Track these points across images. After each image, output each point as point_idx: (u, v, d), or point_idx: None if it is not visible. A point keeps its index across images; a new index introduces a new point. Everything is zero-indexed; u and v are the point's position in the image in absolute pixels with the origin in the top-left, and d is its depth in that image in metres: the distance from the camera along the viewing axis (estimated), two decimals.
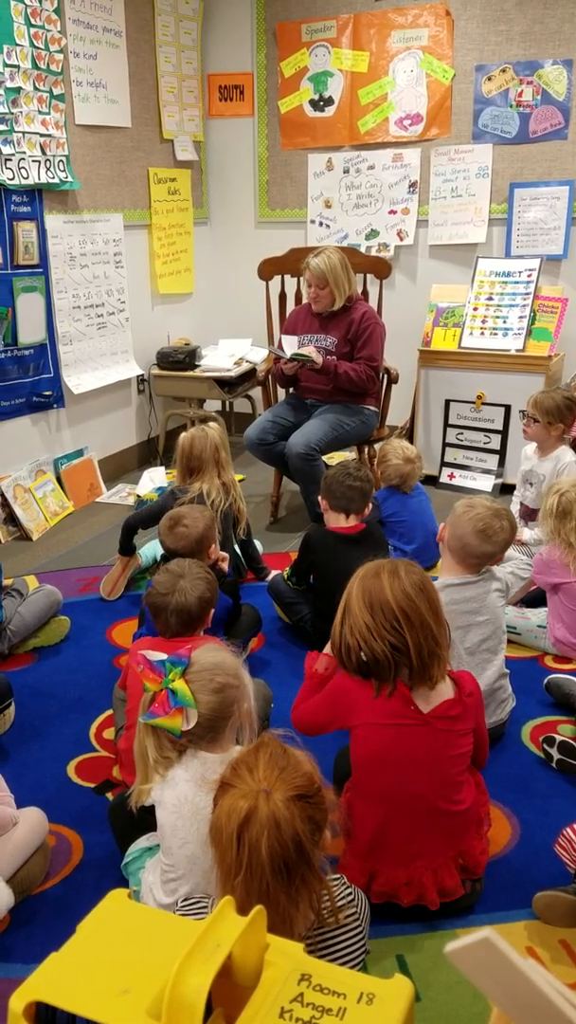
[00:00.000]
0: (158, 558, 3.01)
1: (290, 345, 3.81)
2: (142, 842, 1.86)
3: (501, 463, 4.45)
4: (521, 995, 0.76)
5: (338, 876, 1.54)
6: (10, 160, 3.64)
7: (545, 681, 2.63)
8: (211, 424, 3.15)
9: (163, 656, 1.67)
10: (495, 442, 4.45)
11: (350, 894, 1.50)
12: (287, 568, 3.00)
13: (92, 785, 2.26)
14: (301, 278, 4.08)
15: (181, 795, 1.64)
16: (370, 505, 2.93)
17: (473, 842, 1.84)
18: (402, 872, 1.78)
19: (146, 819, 1.76)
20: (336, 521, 2.87)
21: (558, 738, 2.32)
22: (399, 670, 1.74)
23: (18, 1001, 1.02)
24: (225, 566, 2.73)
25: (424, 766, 1.75)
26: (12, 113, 3.61)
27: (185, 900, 1.53)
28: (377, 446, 4.09)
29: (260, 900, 1.22)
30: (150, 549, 3.42)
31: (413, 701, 1.75)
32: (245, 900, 1.23)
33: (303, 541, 2.92)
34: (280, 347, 3.84)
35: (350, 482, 2.83)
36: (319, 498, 2.93)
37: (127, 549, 3.30)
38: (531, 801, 2.18)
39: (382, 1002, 1.04)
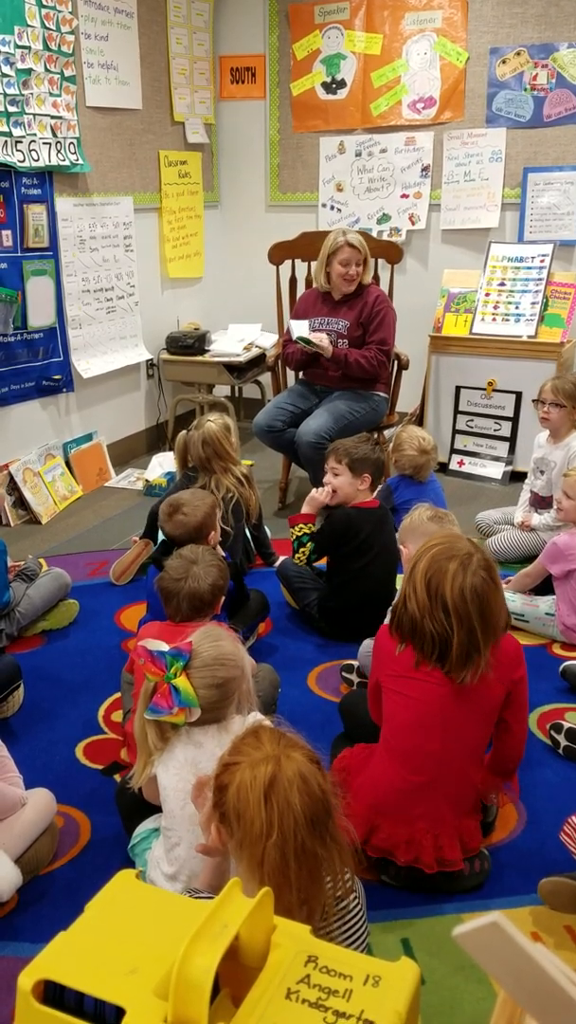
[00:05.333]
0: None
1: (300, 329, 3.78)
2: (148, 823, 1.87)
3: (511, 450, 4.43)
4: (528, 979, 0.76)
5: None
6: (21, 142, 3.62)
7: (561, 668, 2.64)
8: (211, 417, 3.12)
9: (164, 647, 1.68)
10: (505, 429, 4.43)
11: (349, 879, 1.51)
12: (301, 536, 2.95)
13: (100, 767, 2.27)
14: (312, 262, 4.05)
15: (182, 758, 1.68)
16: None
17: (471, 818, 1.88)
18: (403, 829, 1.80)
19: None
20: (363, 496, 2.90)
21: (565, 725, 2.32)
22: (438, 654, 1.76)
23: (27, 979, 1.03)
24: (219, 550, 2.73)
25: (449, 727, 1.78)
26: (23, 95, 3.59)
27: (195, 894, 1.54)
28: (387, 432, 4.08)
29: (297, 858, 1.23)
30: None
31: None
32: (280, 863, 1.23)
33: (341, 523, 2.88)
34: (289, 331, 3.82)
35: (380, 454, 2.93)
36: (348, 478, 2.90)
37: (149, 534, 3.30)
38: (537, 788, 2.18)
39: (388, 984, 1.04)
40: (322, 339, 3.72)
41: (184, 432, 3.09)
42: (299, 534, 2.94)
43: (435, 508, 2.49)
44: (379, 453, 2.93)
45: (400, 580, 2.30)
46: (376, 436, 4.12)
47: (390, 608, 1.91)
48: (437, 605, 1.73)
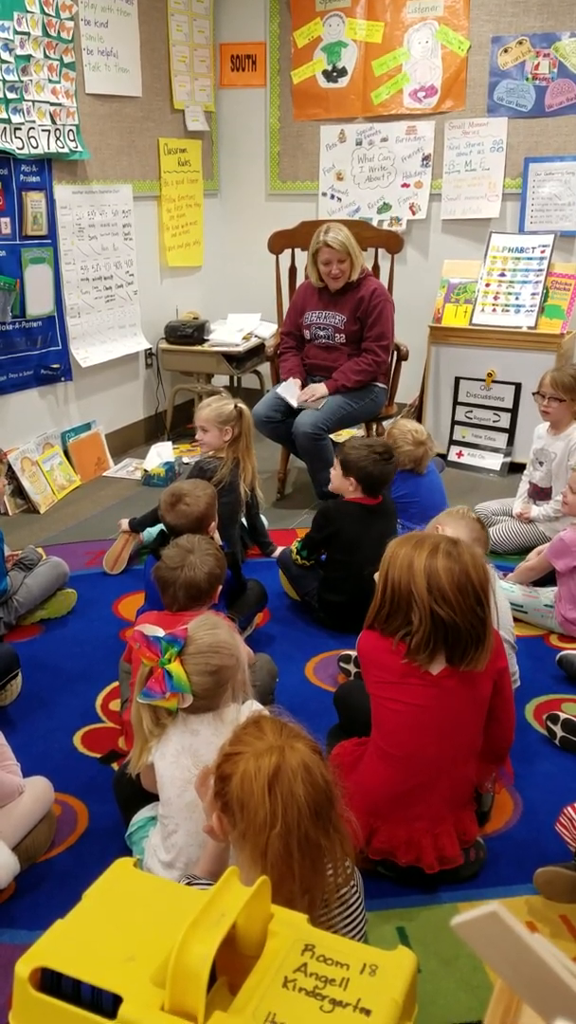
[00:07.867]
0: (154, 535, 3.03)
1: (289, 391, 3.77)
2: (146, 812, 1.88)
3: (510, 442, 4.42)
4: (527, 969, 0.76)
5: None
6: (20, 129, 3.60)
7: (558, 657, 2.65)
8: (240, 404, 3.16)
9: (160, 632, 1.69)
10: (504, 420, 4.42)
11: (349, 866, 1.51)
12: (296, 542, 2.97)
13: (98, 755, 2.27)
14: (307, 256, 4.03)
15: (178, 746, 1.68)
16: None
17: (467, 809, 1.88)
18: (402, 830, 1.80)
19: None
20: (357, 492, 2.88)
21: (562, 716, 2.32)
22: (399, 632, 1.77)
23: (24, 967, 1.03)
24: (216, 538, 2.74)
25: (445, 727, 1.78)
26: (22, 81, 3.57)
27: (193, 881, 1.55)
28: (386, 424, 4.08)
29: (300, 848, 1.23)
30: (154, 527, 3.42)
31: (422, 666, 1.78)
32: (283, 853, 1.23)
33: (322, 514, 2.89)
34: (282, 394, 3.79)
35: (388, 468, 2.88)
36: (340, 473, 2.90)
37: (140, 527, 3.31)
38: (534, 778, 2.18)
39: (385, 973, 1.05)
40: (314, 392, 3.72)
41: (242, 406, 3.13)
42: (294, 546, 2.98)
43: (479, 520, 2.44)
44: (371, 464, 2.82)
45: None
46: (377, 429, 4.12)
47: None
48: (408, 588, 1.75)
